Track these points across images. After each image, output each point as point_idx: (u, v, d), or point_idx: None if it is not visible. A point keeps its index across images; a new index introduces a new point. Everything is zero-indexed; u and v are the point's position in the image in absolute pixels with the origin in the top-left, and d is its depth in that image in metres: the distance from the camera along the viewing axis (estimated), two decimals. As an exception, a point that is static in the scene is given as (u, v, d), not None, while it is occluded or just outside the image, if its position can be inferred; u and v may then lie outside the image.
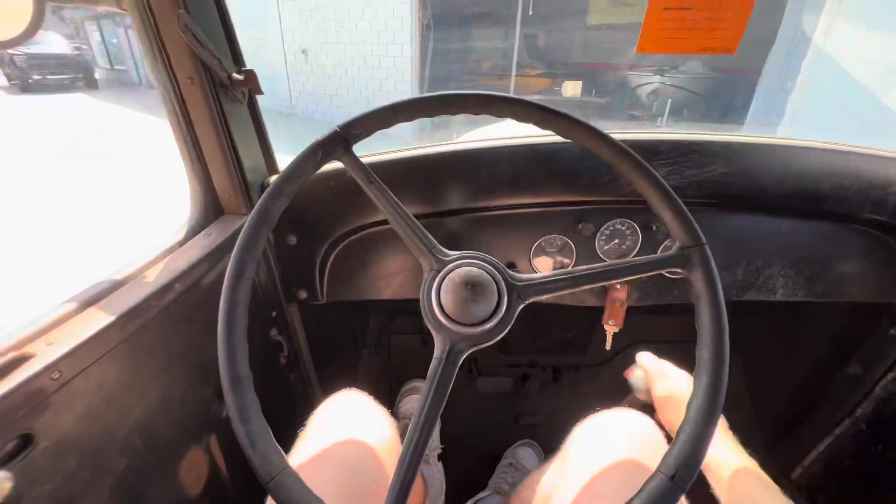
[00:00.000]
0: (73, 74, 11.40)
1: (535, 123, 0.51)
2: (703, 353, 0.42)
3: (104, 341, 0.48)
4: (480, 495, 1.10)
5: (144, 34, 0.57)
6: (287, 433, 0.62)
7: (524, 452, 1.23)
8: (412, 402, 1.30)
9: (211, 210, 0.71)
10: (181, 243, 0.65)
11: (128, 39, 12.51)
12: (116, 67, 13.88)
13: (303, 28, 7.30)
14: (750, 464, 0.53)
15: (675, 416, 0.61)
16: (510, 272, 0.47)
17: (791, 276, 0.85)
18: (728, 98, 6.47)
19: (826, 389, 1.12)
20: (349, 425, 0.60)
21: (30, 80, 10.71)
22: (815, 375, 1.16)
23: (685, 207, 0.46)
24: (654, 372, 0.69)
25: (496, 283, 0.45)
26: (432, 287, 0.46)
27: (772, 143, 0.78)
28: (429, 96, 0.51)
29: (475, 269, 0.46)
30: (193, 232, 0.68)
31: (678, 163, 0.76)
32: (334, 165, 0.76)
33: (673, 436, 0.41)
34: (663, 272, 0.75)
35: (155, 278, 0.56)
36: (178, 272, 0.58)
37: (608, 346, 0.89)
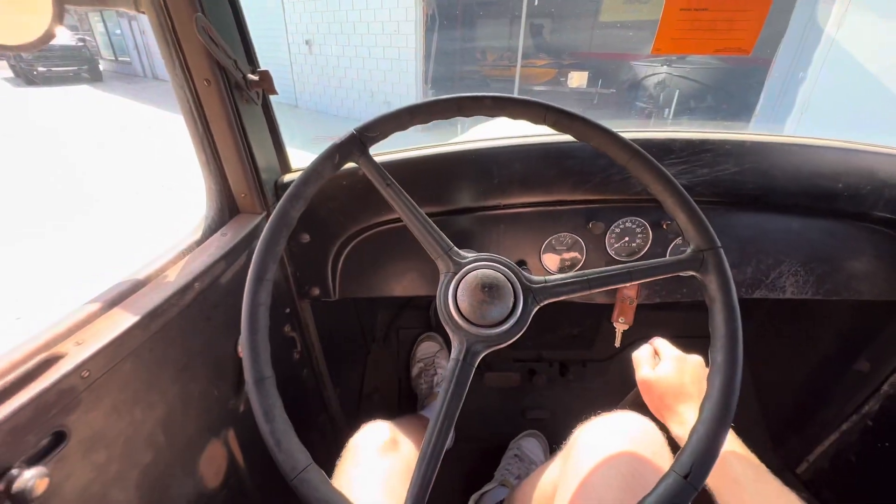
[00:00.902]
0: (78, 66, 11.38)
1: (550, 125, 0.52)
2: (717, 355, 0.43)
3: (129, 340, 0.50)
4: (486, 487, 1.12)
5: (161, 36, 0.57)
6: (302, 427, 0.64)
7: (530, 444, 1.24)
8: (426, 348, 1.36)
9: (227, 210, 0.72)
10: (198, 243, 0.66)
11: (131, 30, 12.47)
12: (121, 59, 13.86)
13: (306, 19, 7.25)
14: (743, 450, 0.53)
15: (655, 401, 0.62)
16: (525, 274, 0.47)
17: (801, 275, 0.85)
18: (737, 89, 6.37)
19: (833, 386, 1.12)
20: (382, 456, 0.65)
21: (34, 73, 10.72)
22: (822, 372, 1.17)
23: (700, 211, 0.47)
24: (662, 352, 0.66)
25: (512, 285, 0.46)
26: (449, 289, 0.47)
27: (784, 142, 0.78)
28: (445, 98, 0.52)
29: (491, 271, 0.47)
30: (210, 231, 0.69)
31: (690, 161, 0.76)
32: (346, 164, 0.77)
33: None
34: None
35: (175, 278, 0.57)
36: (196, 272, 0.59)
37: (617, 343, 0.90)
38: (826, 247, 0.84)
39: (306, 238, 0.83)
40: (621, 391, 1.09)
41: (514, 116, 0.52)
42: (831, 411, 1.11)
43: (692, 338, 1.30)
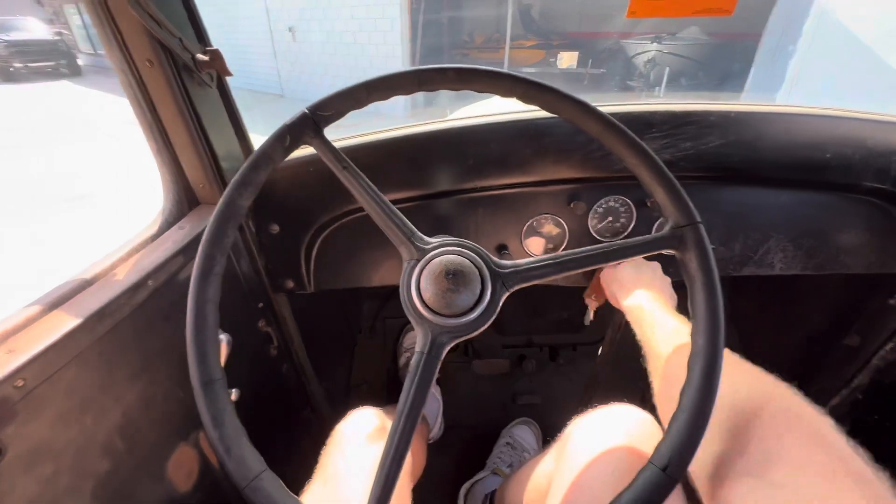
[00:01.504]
0: (56, 61, 11.03)
1: (519, 98, 0.48)
2: (698, 338, 0.40)
3: (72, 344, 0.46)
4: (479, 476, 1.11)
5: (94, 14, 0.53)
6: (283, 425, 0.62)
7: (522, 432, 1.23)
8: (413, 336, 1.33)
9: (185, 201, 0.68)
10: (154, 237, 0.62)
11: (108, 22, 12.06)
12: (99, 52, 13.47)
13: (289, 4, 7.04)
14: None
15: (613, 286, 0.72)
16: (494, 259, 0.44)
17: (790, 250, 0.83)
18: (727, 64, 6.31)
19: (822, 361, 1.11)
20: (369, 444, 0.62)
21: (11, 69, 10.39)
22: (811, 347, 1.16)
23: (678, 184, 0.44)
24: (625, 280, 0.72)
25: (479, 271, 0.43)
26: (412, 277, 0.43)
27: (771, 112, 0.75)
28: (403, 72, 0.47)
29: (456, 256, 0.43)
30: (167, 225, 0.65)
31: (672, 135, 0.72)
32: (313, 150, 0.73)
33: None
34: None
35: (126, 276, 0.54)
36: (150, 268, 0.55)
37: (590, 320, 0.87)
38: (815, 220, 0.81)
39: (276, 229, 0.79)
40: (612, 374, 1.07)
41: (480, 89, 0.48)
42: (821, 386, 1.10)
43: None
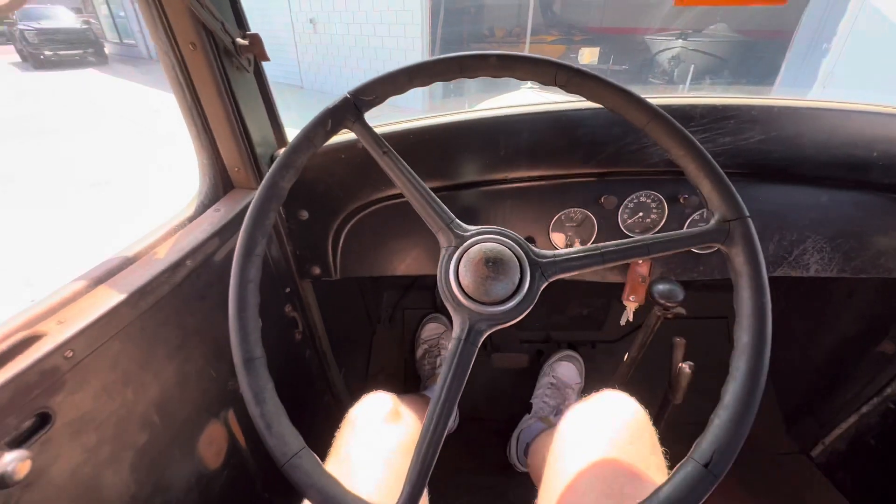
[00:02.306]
0: (83, 50, 11.29)
1: (561, 86, 0.47)
2: (743, 335, 0.39)
3: (116, 319, 0.47)
4: (525, 423, 1.14)
5: (142, -4, 0.54)
6: (305, 409, 0.63)
7: (564, 368, 1.23)
8: (432, 329, 1.34)
9: (220, 184, 0.69)
10: (191, 219, 0.63)
11: (135, 12, 12.31)
12: (125, 41, 13.75)
13: (310, -4, 7.07)
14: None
15: None
16: (533, 248, 0.44)
17: (827, 251, 0.80)
18: (755, 62, 6.12)
19: (853, 368, 1.08)
20: (383, 428, 0.62)
21: (42, 56, 10.68)
22: (842, 353, 1.12)
23: (727, 177, 0.42)
24: None
25: (518, 260, 0.43)
26: (451, 264, 0.43)
27: (815, 107, 0.72)
28: (445, 58, 0.47)
29: (496, 244, 0.43)
30: (203, 207, 0.66)
31: (711, 129, 0.70)
32: (344, 136, 0.73)
33: None
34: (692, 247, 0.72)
35: (165, 255, 0.55)
36: (188, 249, 0.57)
37: (627, 320, 0.87)
38: (855, 221, 0.78)
39: (305, 215, 0.80)
40: (636, 376, 1.06)
41: (521, 77, 0.48)
42: (850, 393, 1.07)
43: (707, 318, 1.26)
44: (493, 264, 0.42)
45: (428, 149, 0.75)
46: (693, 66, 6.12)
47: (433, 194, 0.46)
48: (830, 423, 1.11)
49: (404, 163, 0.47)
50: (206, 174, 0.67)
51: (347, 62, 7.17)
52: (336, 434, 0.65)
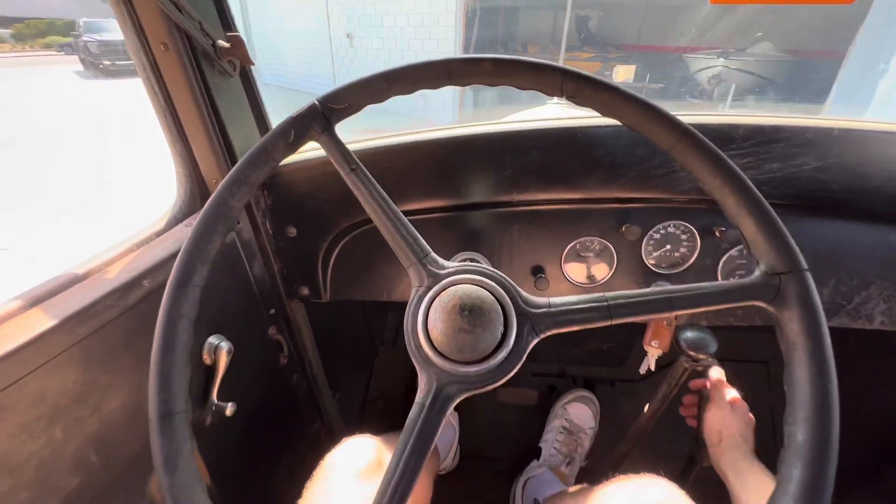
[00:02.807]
0: (136, 61, 12.04)
1: (570, 98, 0.39)
2: (797, 430, 0.29)
3: (46, 347, 0.42)
4: (533, 472, 1.02)
5: (111, -9, 0.49)
6: (289, 439, 0.56)
7: (577, 409, 1.11)
8: None
9: (198, 197, 0.64)
10: (159, 234, 0.58)
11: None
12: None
13: (348, 12, 7.28)
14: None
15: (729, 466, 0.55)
16: (523, 294, 0.35)
17: (895, 300, 0.67)
18: (801, 83, 5.81)
19: None
20: (360, 483, 0.55)
21: (101, 66, 11.45)
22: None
23: (778, 219, 0.33)
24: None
25: (503, 309, 0.34)
26: (419, 309, 0.35)
27: (884, 130, 0.61)
28: (430, 62, 0.40)
29: (476, 287, 0.35)
30: (175, 221, 0.61)
31: (756, 154, 0.60)
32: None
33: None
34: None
35: (117, 274, 0.49)
36: (145, 268, 0.51)
37: (648, 368, 0.76)
38: None
39: (293, 232, 0.74)
40: (657, 429, 0.93)
41: (522, 85, 0.40)
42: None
43: (744, 362, 1.12)
44: (469, 314, 0.33)
45: (428, 165, 0.68)
46: (734, 85, 5.87)
47: (406, 221, 0.39)
48: (890, 498, 0.95)
49: (375, 183, 0.40)
50: (183, 186, 0.62)
51: (381, 75, 7.30)
52: (307, 483, 0.57)
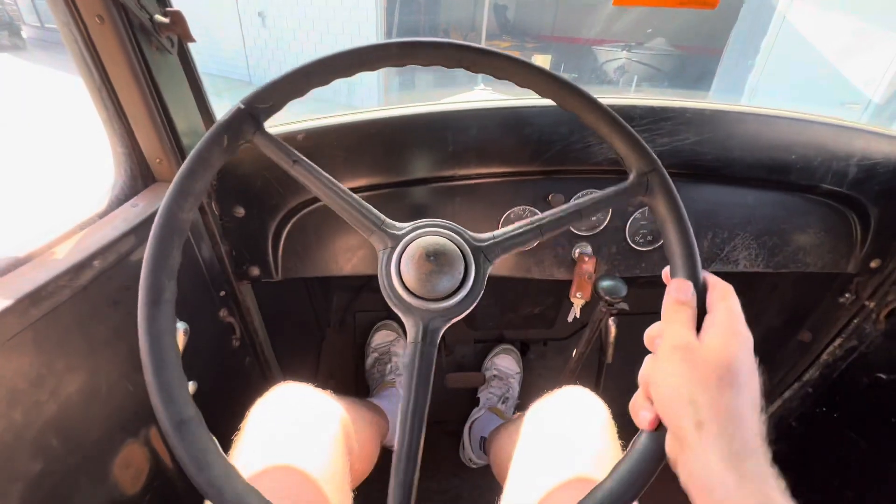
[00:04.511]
0: (-4, 33, 10.11)
1: (467, 67, 0.45)
2: (679, 274, 0.41)
3: None
4: (476, 414, 1.18)
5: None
6: (243, 418, 0.58)
7: (503, 361, 1.30)
8: (382, 336, 1.31)
9: (139, 177, 0.62)
10: (102, 215, 0.56)
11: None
12: (46, 25, 12.48)
13: (261, -12, 6.76)
14: None
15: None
16: (470, 234, 0.43)
17: (754, 248, 0.86)
18: (690, 75, 6.61)
19: (777, 356, 1.17)
20: (289, 425, 0.55)
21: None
22: (767, 343, 1.21)
23: (636, 134, 0.44)
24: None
25: (459, 248, 0.41)
26: (391, 266, 0.41)
27: (741, 111, 0.77)
28: (342, 52, 0.43)
29: (434, 237, 0.41)
30: (118, 202, 0.59)
31: (650, 130, 0.73)
32: (283, 128, 0.69)
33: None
34: (630, 242, 0.75)
35: (67, 255, 0.48)
36: (95, 248, 0.50)
37: (574, 316, 0.88)
38: (778, 220, 0.84)
39: (241, 212, 0.74)
40: (583, 372, 1.08)
41: (426, 62, 0.45)
42: (776, 379, 1.15)
43: (650, 314, 1.31)
44: (434, 258, 0.40)
45: (373, 144, 0.72)
46: (636, 76, 6.49)
47: (358, 198, 0.43)
48: (758, 408, 1.20)
49: (319, 169, 0.43)
50: (122, 165, 0.60)
51: (299, 59, 6.87)
52: (235, 435, 0.55)
